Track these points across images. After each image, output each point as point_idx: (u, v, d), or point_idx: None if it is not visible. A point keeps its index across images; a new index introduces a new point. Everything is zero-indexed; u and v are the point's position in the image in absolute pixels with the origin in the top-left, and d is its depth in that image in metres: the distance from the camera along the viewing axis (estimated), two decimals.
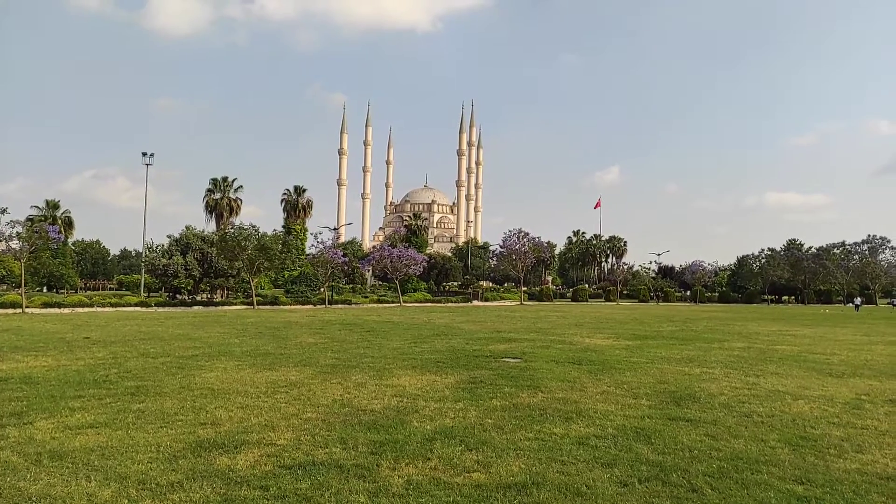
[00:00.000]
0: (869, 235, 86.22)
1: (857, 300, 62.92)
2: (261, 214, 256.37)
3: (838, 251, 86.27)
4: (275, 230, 52.24)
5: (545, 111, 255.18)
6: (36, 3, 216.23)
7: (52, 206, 69.60)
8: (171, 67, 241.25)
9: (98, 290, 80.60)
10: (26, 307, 34.93)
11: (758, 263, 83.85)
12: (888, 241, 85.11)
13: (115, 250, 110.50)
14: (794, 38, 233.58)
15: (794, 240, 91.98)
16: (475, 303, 60.44)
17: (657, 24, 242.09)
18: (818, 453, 6.33)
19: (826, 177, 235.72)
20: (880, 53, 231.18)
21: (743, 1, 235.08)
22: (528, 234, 64.63)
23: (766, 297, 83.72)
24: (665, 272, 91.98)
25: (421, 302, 56.27)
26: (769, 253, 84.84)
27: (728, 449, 6.41)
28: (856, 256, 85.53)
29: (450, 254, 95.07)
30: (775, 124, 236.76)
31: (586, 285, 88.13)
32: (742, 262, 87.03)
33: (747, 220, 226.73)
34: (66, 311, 35.54)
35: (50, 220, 62.13)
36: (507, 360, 13.62)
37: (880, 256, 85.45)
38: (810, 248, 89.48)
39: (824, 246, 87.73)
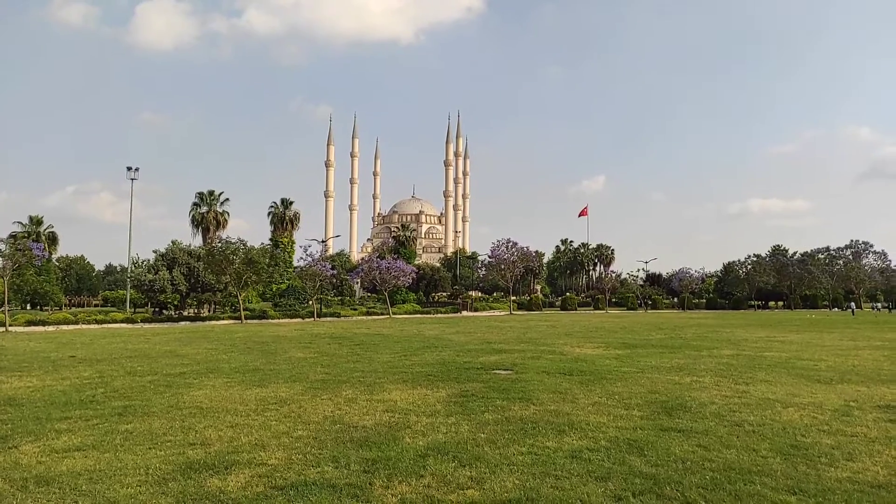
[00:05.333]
0: (852, 240, 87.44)
1: (852, 305, 63.50)
2: (248, 228, 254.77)
3: (823, 256, 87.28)
4: (262, 243, 51.96)
5: (531, 121, 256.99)
6: (18, 19, 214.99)
7: (36, 221, 68.87)
8: (155, 82, 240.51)
9: (83, 306, 79.63)
10: (10, 326, 34.43)
11: (744, 270, 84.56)
12: (871, 246, 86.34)
13: (99, 266, 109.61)
14: (774, 47, 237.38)
15: (778, 246, 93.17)
16: (464, 313, 60.38)
17: (639, 37, 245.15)
18: (809, 462, 6.36)
19: (808, 183, 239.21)
20: (860, 61, 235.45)
21: (724, 12, 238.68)
22: (516, 243, 64.80)
23: (752, 302, 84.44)
24: (653, 280, 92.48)
25: (410, 313, 56.12)
26: (755, 259, 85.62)
27: (720, 459, 6.42)
28: (840, 261, 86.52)
29: (438, 264, 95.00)
30: (757, 132, 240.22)
31: (575, 294, 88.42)
32: (728, 268, 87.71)
33: (732, 226, 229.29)
34: (51, 328, 35.09)
35: (33, 237, 61.46)
36: (497, 371, 13.60)
37: (864, 261, 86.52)
38: (795, 253, 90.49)
39: (809, 251, 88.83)
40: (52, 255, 71.42)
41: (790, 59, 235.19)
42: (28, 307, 66.89)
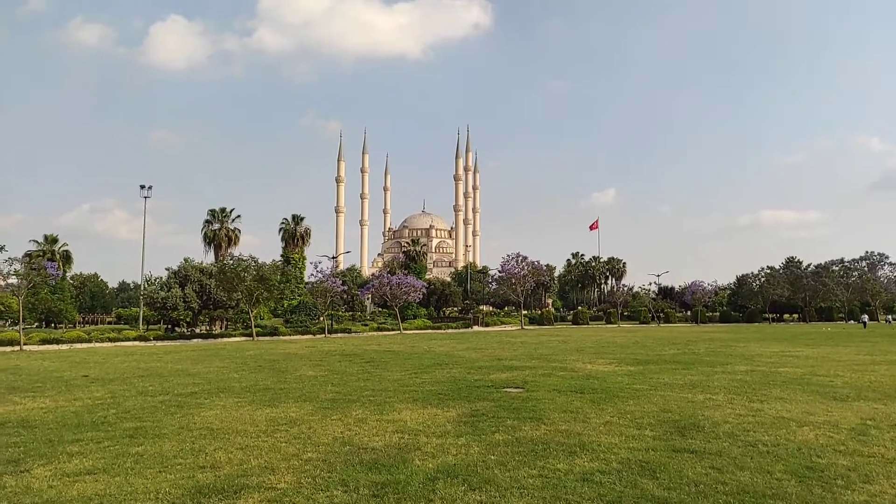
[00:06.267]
0: (867, 252, 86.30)
1: (865, 318, 62.53)
2: (259, 244, 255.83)
3: (837, 268, 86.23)
4: (273, 260, 52.22)
5: (540, 135, 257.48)
6: (37, 40, 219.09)
7: (51, 240, 69.68)
8: (168, 100, 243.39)
9: (96, 324, 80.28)
10: (24, 344, 34.73)
11: (757, 282, 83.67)
12: (886, 258, 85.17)
13: (113, 283, 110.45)
14: (781, 56, 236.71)
15: (792, 257, 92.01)
16: (475, 328, 60.18)
17: (646, 49, 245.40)
18: (825, 485, 6.25)
19: (820, 194, 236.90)
20: (868, 70, 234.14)
21: (731, 23, 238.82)
22: (526, 257, 64.64)
23: (767, 315, 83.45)
24: (665, 293, 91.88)
25: (421, 329, 56.01)
26: (768, 271, 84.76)
27: (734, 482, 6.33)
28: (855, 273, 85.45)
29: (449, 279, 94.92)
30: (766, 142, 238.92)
31: (587, 308, 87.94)
32: (742, 281, 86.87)
33: (744, 238, 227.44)
34: (65, 347, 35.32)
35: (48, 256, 62.23)
36: (508, 390, 13.52)
37: (879, 272, 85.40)
38: (809, 265, 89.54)
39: (823, 263, 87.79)
40: (67, 274, 72.14)
41: (797, 68, 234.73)
42: (42, 325, 67.53)
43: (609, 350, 26.51)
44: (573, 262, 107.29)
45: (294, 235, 77.33)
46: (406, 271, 72.90)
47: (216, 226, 68.95)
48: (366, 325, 56.03)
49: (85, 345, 36.69)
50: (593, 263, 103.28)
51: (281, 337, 44.87)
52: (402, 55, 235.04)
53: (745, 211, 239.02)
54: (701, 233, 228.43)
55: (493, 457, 7.43)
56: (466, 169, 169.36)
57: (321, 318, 52.24)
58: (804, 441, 8.19)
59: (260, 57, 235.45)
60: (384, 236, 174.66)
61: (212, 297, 48.43)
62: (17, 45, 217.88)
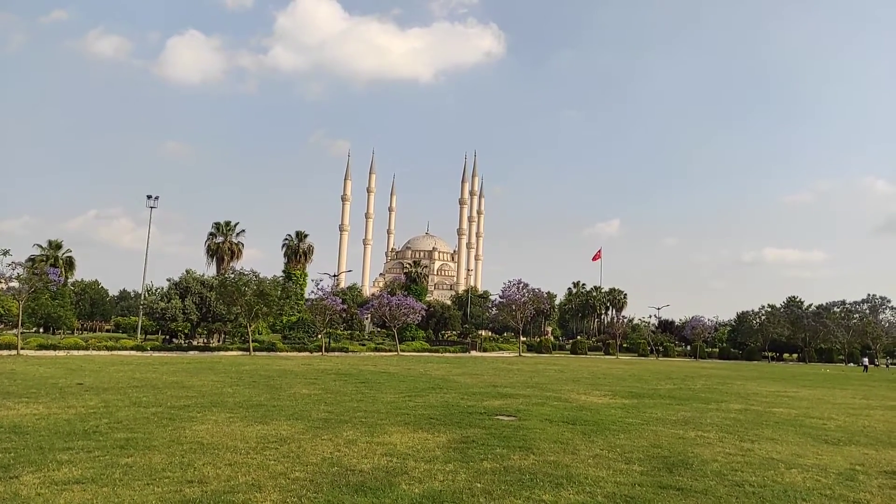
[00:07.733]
0: (869, 295, 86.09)
1: (865, 360, 62.11)
2: (262, 258, 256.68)
3: (838, 310, 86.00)
4: (275, 275, 52.37)
5: (547, 163, 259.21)
6: (55, 49, 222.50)
7: (55, 245, 69.92)
8: (181, 113, 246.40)
9: (95, 331, 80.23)
10: (21, 349, 34.75)
11: (758, 320, 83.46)
12: (888, 301, 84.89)
13: (114, 291, 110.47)
14: (788, 96, 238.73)
15: (793, 297, 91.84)
16: (473, 353, 59.98)
17: (655, 84, 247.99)
18: None
19: (823, 234, 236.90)
20: (877, 112, 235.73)
21: (739, 61, 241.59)
22: (527, 284, 64.67)
23: (766, 354, 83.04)
24: (665, 326, 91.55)
25: (419, 351, 55.87)
26: (769, 310, 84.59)
27: None
28: (856, 315, 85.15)
29: (449, 302, 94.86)
30: (771, 180, 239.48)
31: (586, 337, 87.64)
32: (742, 318, 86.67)
33: (746, 274, 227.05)
34: (62, 353, 35.35)
35: (51, 261, 62.43)
36: (500, 417, 13.52)
37: (881, 316, 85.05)
38: (810, 305, 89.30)
39: (824, 304, 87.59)
40: (69, 280, 72.24)
41: (805, 107, 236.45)
42: (41, 330, 67.51)
43: (605, 382, 26.43)
44: (574, 290, 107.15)
45: (296, 252, 77.55)
46: (406, 292, 72.92)
47: (220, 239, 69.22)
48: (363, 344, 55.94)
49: (82, 352, 36.71)
50: (594, 293, 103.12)
51: (278, 353, 44.82)
52: (414, 79, 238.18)
53: (749, 247, 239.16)
54: (703, 267, 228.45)
55: (479, 485, 7.45)
56: (472, 193, 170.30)
57: (319, 336, 52.19)
58: (791, 484, 8.19)
59: (274, 74, 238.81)
60: (387, 256, 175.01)
61: (211, 310, 48.49)
62: (36, 52, 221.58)
